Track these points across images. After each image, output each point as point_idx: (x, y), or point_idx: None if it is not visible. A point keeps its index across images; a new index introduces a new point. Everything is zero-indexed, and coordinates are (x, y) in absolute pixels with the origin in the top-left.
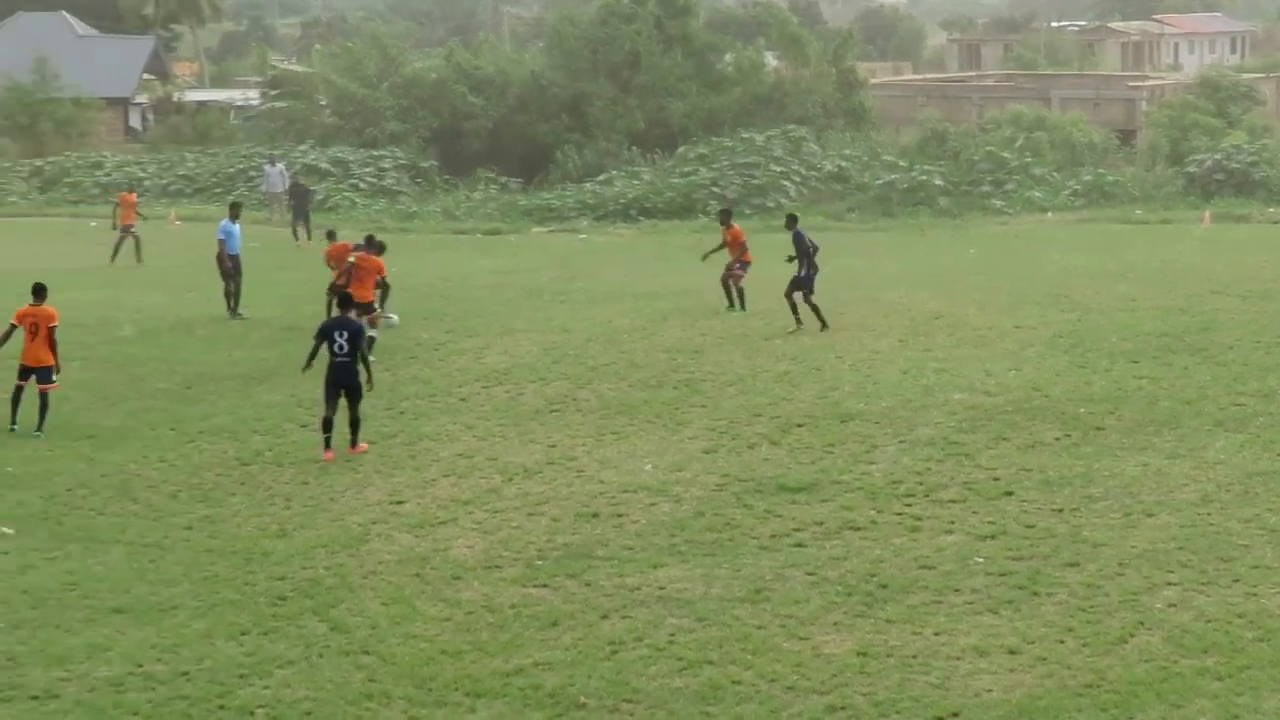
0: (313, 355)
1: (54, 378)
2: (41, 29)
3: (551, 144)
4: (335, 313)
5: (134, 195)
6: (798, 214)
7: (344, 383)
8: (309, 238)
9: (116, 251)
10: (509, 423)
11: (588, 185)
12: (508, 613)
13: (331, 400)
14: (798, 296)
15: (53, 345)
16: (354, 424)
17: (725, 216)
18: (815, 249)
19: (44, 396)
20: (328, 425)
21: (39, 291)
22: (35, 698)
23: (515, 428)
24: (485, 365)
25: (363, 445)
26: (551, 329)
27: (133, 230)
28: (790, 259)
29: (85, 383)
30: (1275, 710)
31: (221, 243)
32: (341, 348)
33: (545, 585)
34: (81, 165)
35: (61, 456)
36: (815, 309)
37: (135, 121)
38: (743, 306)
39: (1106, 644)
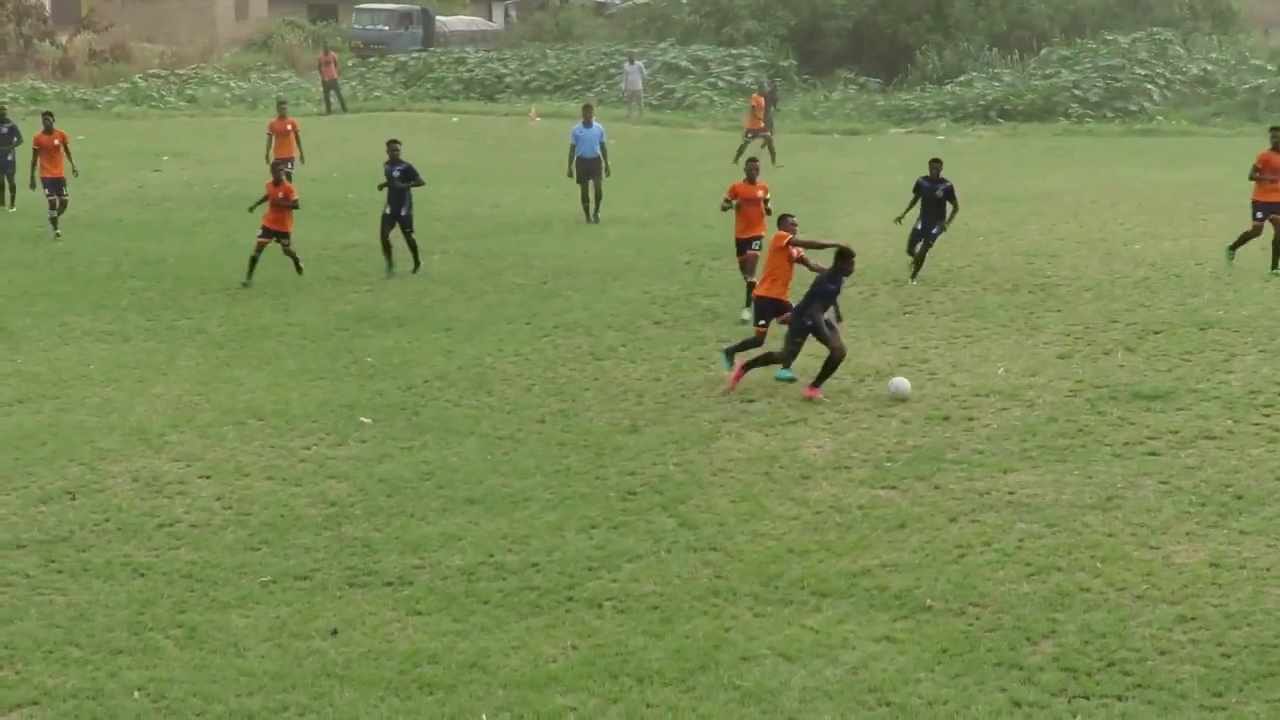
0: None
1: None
2: None
3: (912, 44)
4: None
5: (762, 99)
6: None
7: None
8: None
9: (740, 153)
10: (862, 324)
11: (947, 86)
12: (856, 513)
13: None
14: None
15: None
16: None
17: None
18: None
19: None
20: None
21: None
22: (389, 584)
23: (868, 329)
24: None
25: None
26: (906, 231)
27: (763, 133)
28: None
29: (445, 276)
30: None
31: (572, 147)
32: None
33: (894, 487)
34: (445, 61)
35: (420, 348)
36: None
37: (499, 18)
38: None
39: None
